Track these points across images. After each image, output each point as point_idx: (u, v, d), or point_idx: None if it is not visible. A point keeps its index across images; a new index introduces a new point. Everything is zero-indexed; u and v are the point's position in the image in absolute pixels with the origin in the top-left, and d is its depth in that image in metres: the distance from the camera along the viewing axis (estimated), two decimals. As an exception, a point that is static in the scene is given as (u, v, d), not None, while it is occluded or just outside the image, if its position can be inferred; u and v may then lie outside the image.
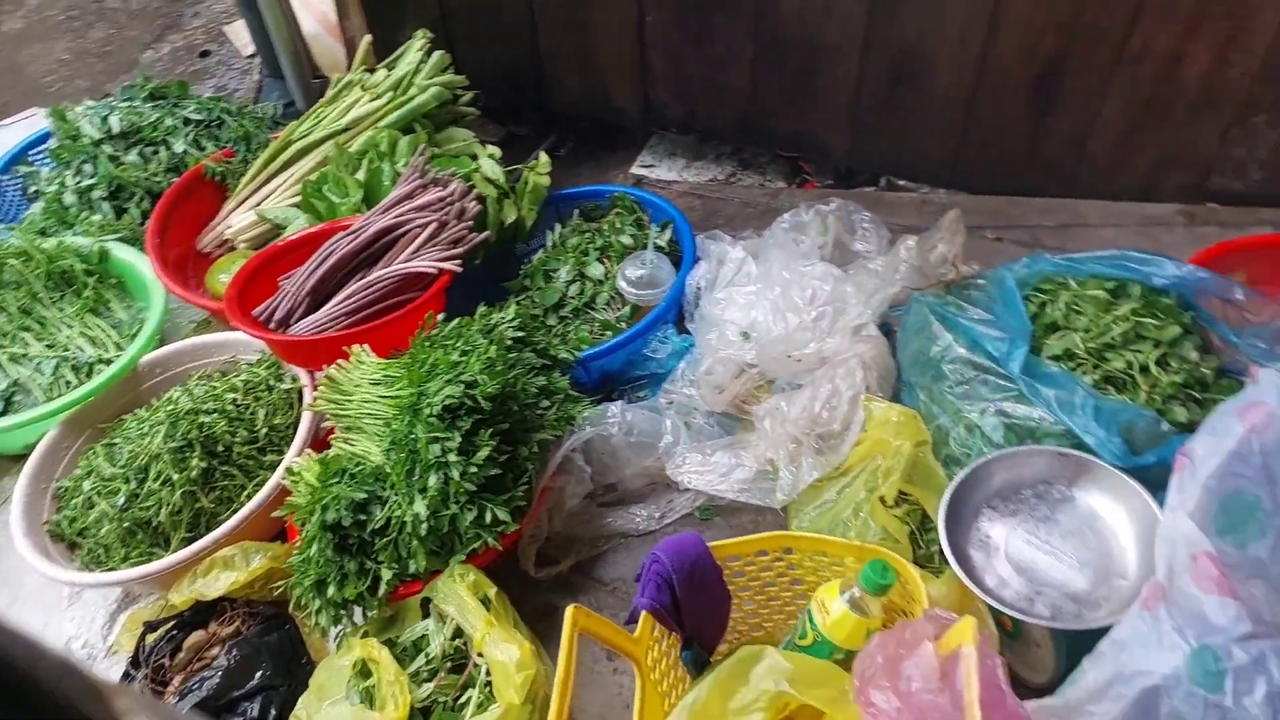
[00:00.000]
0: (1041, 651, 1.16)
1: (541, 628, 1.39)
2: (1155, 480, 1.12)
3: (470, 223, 1.67)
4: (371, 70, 2.06)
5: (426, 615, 1.33)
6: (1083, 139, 1.86)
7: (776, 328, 1.55)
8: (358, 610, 1.36)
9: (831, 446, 1.43)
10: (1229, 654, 0.85)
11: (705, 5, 1.93)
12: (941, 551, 1.14)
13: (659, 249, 1.81)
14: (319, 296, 1.66)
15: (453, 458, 1.23)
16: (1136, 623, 0.91)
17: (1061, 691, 0.94)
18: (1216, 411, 1.07)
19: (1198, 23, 1.61)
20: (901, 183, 2.17)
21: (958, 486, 1.20)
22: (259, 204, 1.97)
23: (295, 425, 1.56)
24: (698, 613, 1.09)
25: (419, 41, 2.02)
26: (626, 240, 1.82)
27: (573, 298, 1.76)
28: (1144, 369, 1.33)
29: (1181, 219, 1.93)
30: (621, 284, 1.73)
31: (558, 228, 1.93)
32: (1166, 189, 1.91)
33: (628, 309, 1.74)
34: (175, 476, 1.48)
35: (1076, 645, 1.06)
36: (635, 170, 2.39)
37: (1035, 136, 1.90)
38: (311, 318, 1.62)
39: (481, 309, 1.48)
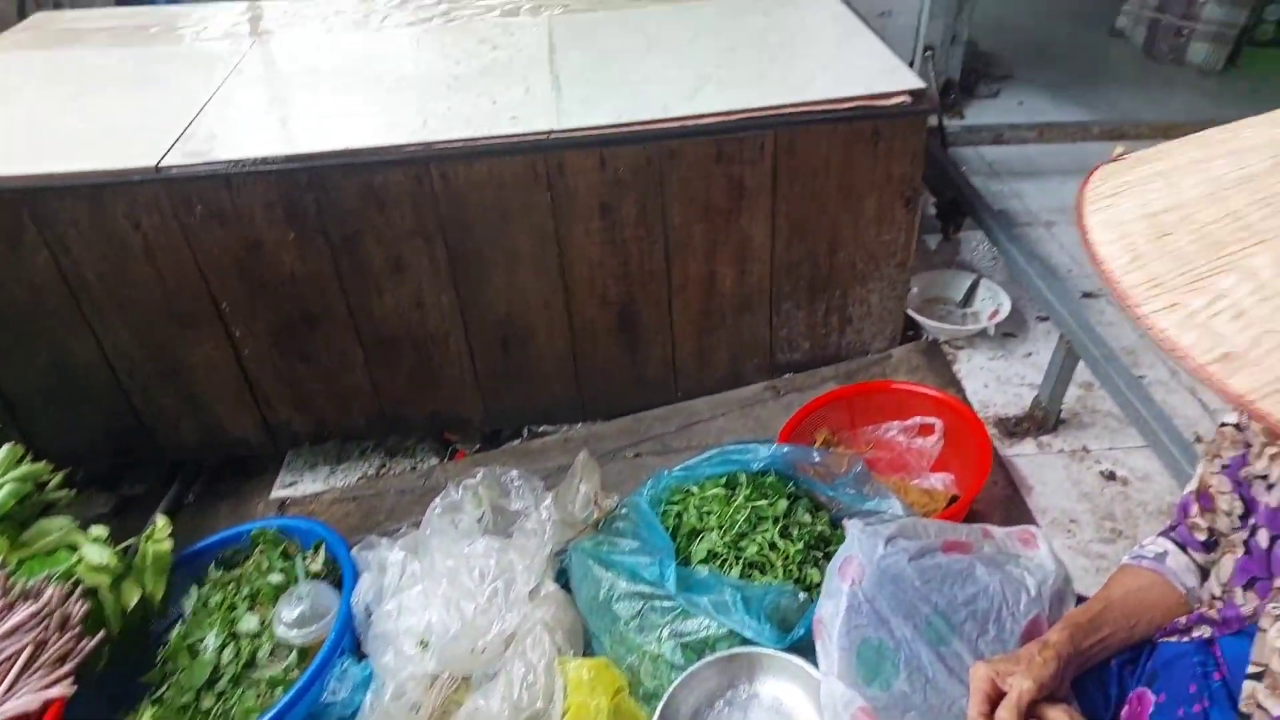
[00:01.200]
0: None
1: None
2: (813, 649, 1.24)
3: (78, 628, 1.45)
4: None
5: None
6: (671, 356, 2.16)
7: (454, 623, 1.51)
8: None
9: (543, 725, 1.40)
10: (904, 803, 0.93)
11: (299, 327, 1.98)
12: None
13: (315, 575, 1.71)
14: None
15: None
16: (831, 805, 0.98)
17: None
18: (827, 574, 1.23)
19: (713, 251, 1.99)
20: (542, 429, 2.32)
21: (658, 726, 1.23)
22: None
23: None
24: None
25: (-19, 438, 1.80)
26: (276, 579, 1.70)
27: (228, 664, 1.58)
28: (773, 545, 1.50)
29: (769, 394, 2.28)
30: (280, 629, 1.60)
31: (195, 590, 1.75)
32: (749, 374, 2.26)
33: (294, 654, 1.60)
34: None
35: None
36: (277, 494, 2.28)
37: (635, 364, 2.16)
38: (-126, 822, 1.27)
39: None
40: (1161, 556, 1.14)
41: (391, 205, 1.83)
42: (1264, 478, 0.97)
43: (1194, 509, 1.09)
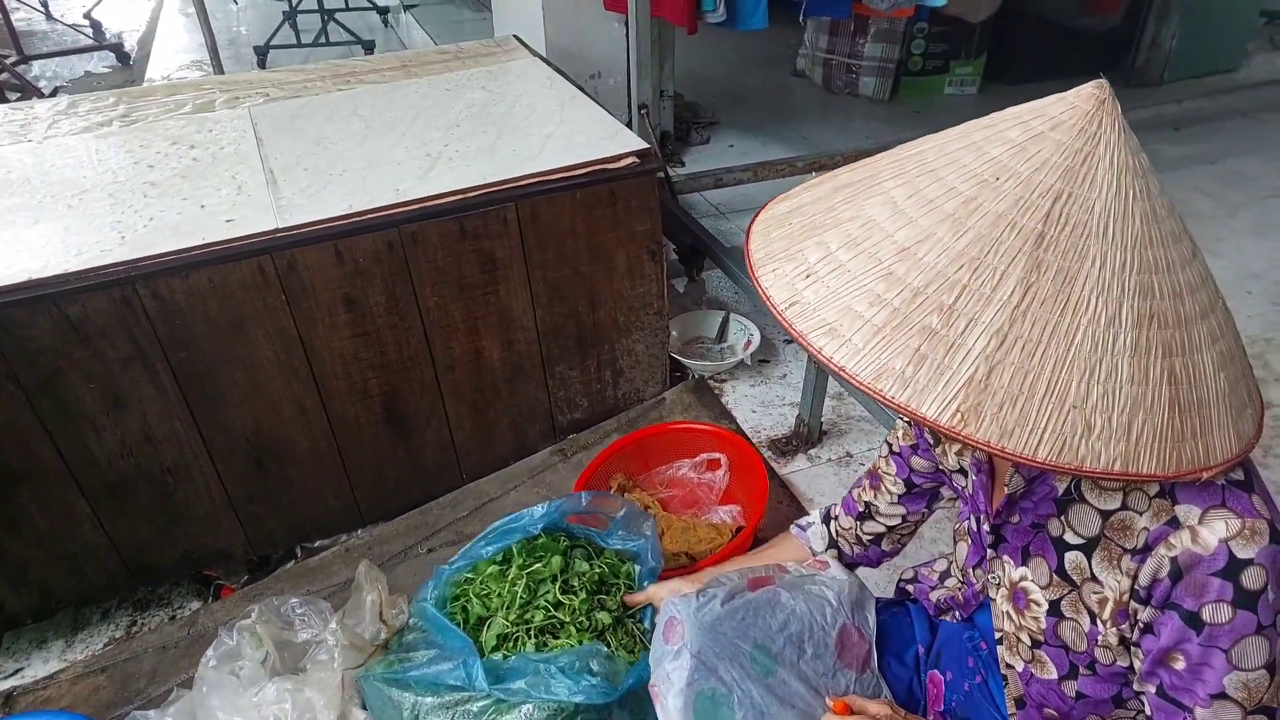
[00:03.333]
0: None
1: None
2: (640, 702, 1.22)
3: None
4: None
5: None
6: (448, 439, 2.08)
7: (252, 790, 1.33)
8: None
9: None
10: None
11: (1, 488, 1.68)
12: None
13: (65, 782, 1.44)
14: None
15: None
16: None
17: None
18: (652, 641, 1.23)
19: (475, 327, 1.95)
20: (319, 543, 2.13)
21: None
22: None
23: None
24: None
25: None
26: (13, 800, 1.40)
27: None
28: (558, 604, 1.46)
29: (557, 458, 2.26)
30: None
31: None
32: (534, 442, 2.23)
33: None
34: None
35: None
36: (-1, 688, 1.90)
37: (411, 454, 2.05)
38: None
39: None
40: (806, 526, 1.40)
41: (97, 335, 1.60)
42: (960, 470, 1.11)
43: (865, 484, 1.30)
